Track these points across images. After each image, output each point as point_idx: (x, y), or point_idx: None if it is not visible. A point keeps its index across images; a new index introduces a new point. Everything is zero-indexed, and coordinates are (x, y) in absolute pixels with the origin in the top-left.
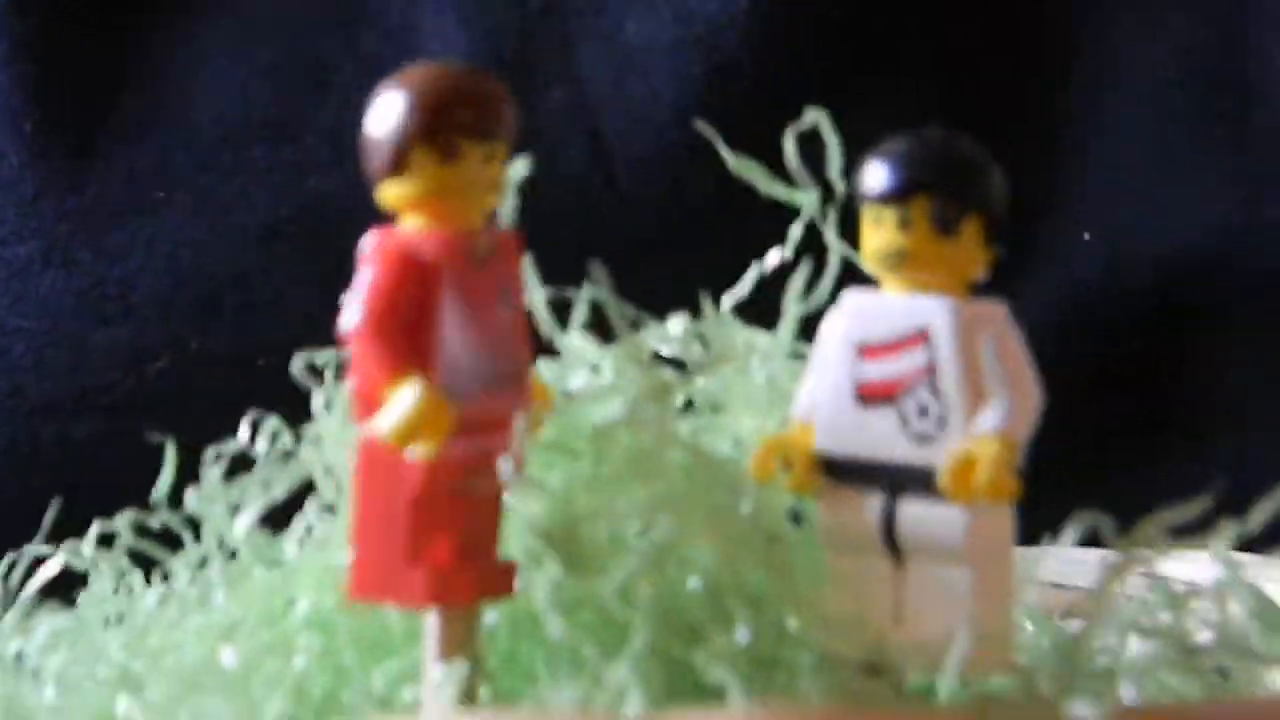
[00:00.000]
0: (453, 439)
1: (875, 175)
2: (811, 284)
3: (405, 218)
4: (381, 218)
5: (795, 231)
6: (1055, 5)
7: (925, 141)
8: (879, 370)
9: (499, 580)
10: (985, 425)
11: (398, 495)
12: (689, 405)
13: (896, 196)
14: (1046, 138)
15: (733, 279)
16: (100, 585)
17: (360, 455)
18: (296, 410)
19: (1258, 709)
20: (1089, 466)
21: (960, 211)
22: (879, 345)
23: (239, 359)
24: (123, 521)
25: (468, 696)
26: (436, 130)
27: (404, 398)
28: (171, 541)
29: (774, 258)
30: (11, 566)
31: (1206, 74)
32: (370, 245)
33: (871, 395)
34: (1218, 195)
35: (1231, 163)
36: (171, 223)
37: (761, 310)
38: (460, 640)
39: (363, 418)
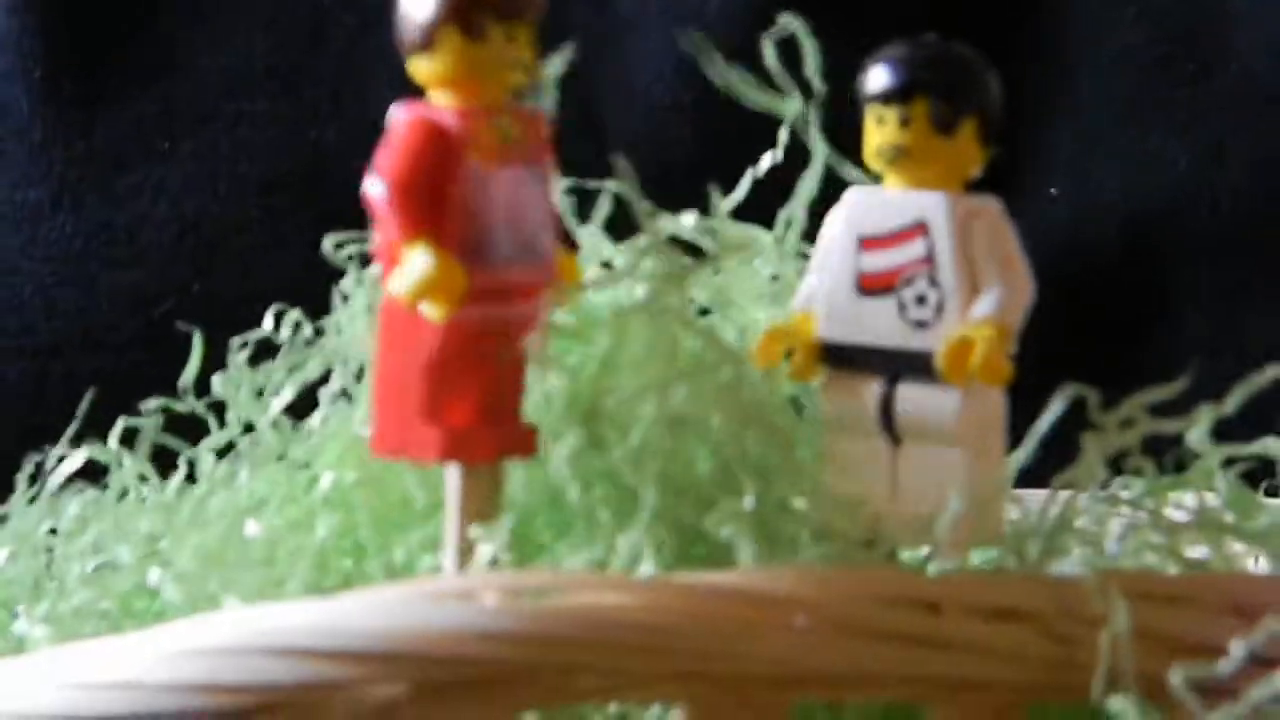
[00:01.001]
0: (474, 304)
1: (877, 77)
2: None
3: (433, 93)
4: None
5: (783, 135)
6: None
7: (925, 46)
8: (879, 261)
9: (521, 442)
10: (980, 312)
11: (416, 355)
12: (704, 312)
13: (898, 96)
14: (1014, 97)
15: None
16: (127, 470)
17: (382, 316)
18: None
19: (1234, 583)
20: (1059, 415)
21: (957, 112)
22: (879, 237)
23: (241, 302)
24: (149, 410)
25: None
26: (462, 9)
27: (416, 259)
28: (193, 439)
29: (766, 161)
30: (39, 466)
31: (1170, 34)
32: (398, 115)
33: (872, 285)
34: (1179, 151)
35: (1192, 120)
36: (176, 170)
37: (754, 216)
38: (482, 502)
39: (386, 278)
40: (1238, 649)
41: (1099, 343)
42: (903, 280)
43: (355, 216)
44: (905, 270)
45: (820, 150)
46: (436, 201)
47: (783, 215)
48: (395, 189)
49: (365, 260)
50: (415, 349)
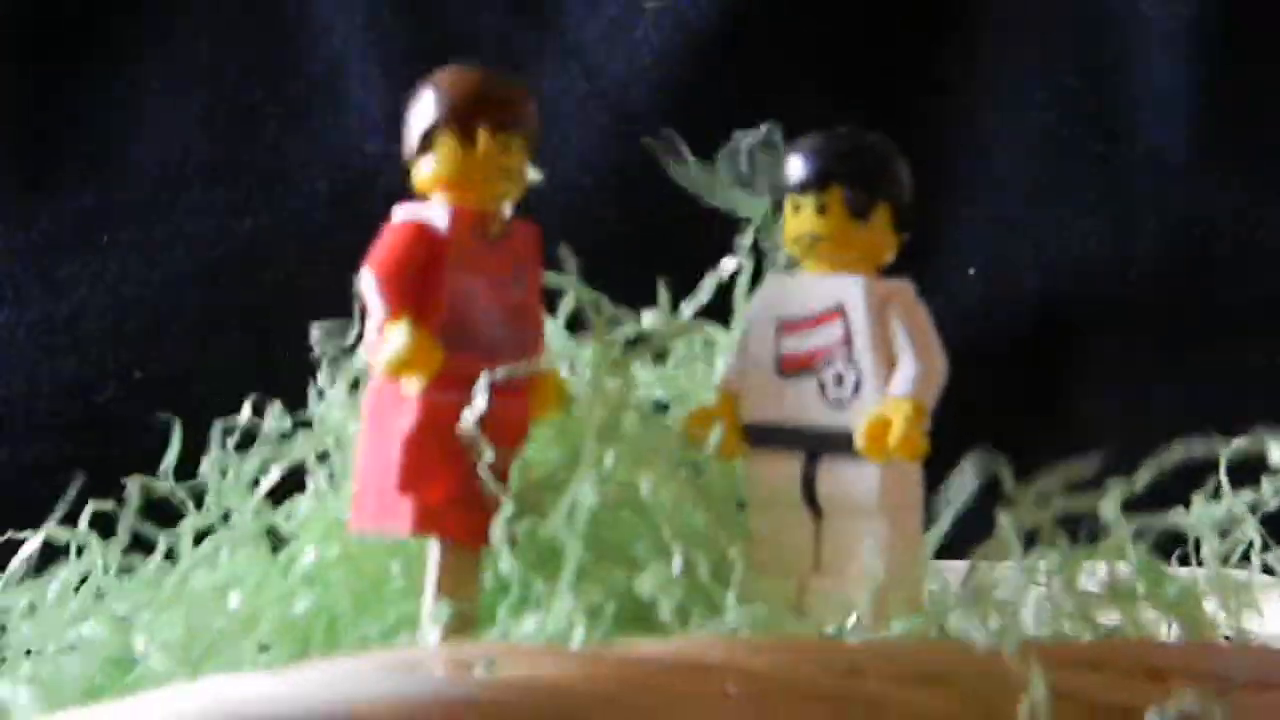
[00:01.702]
0: (454, 388)
1: (794, 167)
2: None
3: (431, 196)
4: (309, 251)
5: (745, 240)
6: (939, 57)
7: (839, 137)
8: (799, 343)
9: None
10: (896, 390)
11: (397, 431)
12: (664, 408)
13: (814, 185)
14: (931, 179)
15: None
16: (96, 552)
17: (370, 395)
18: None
19: (1147, 649)
20: (977, 490)
21: (871, 199)
22: (798, 321)
23: (181, 387)
24: (132, 487)
25: (462, 631)
26: (460, 117)
27: (397, 334)
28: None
29: (730, 265)
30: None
31: (1079, 115)
32: (395, 215)
33: (792, 367)
34: (1086, 229)
35: (1101, 198)
36: (115, 259)
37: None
38: (458, 581)
39: (374, 359)
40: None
41: (1016, 415)
42: (822, 361)
43: (289, 301)
44: (824, 352)
45: (780, 255)
46: (419, 291)
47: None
48: (380, 277)
49: (344, 352)
50: (396, 426)
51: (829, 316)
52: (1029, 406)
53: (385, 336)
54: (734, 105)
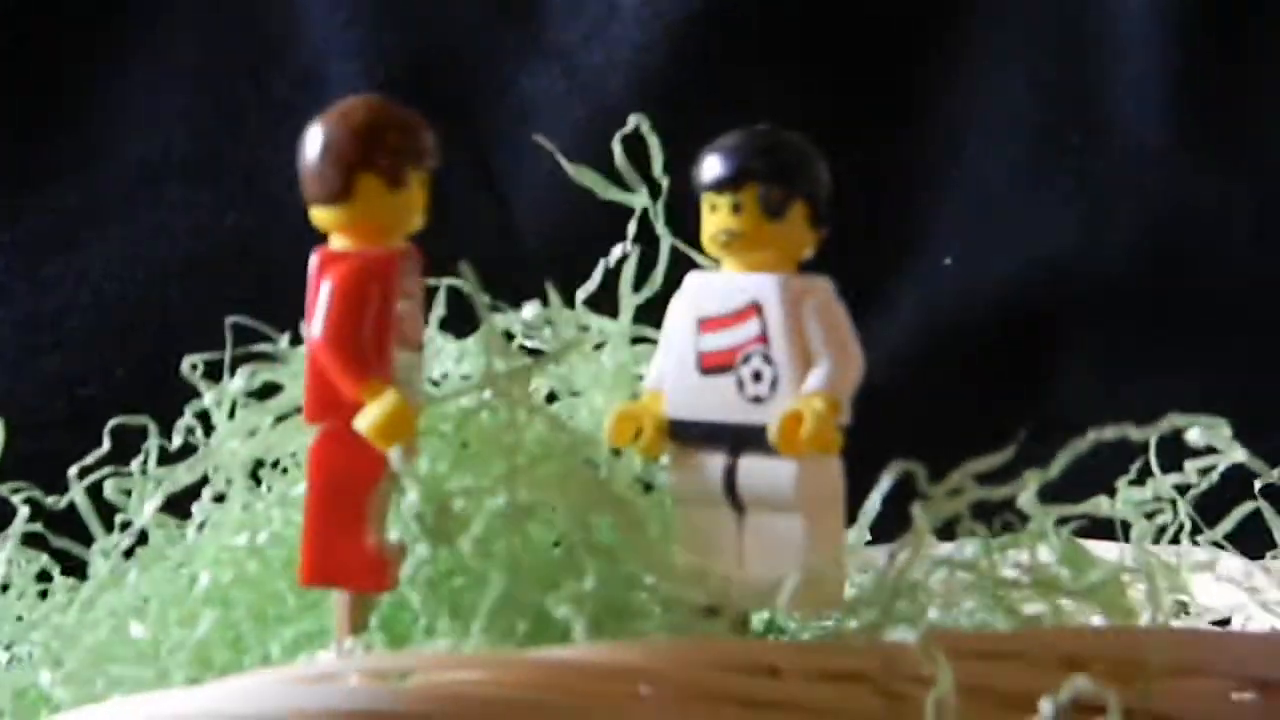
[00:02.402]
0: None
1: (710, 166)
2: (646, 274)
3: (339, 237)
4: (290, 248)
5: (630, 228)
6: (917, 48)
7: (754, 135)
8: (718, 341)
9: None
10: (811, 385)
11: (361, 488)
12: (551, 397)
13: (729, 184)
14: (909, 173)
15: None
16: (20, 577)
17: (317, 449)
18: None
19: (1060, 637)
20: (944, 472)
21: (786, 197)
22: (717, 318)
23: (163, 384)
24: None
25: None
26: (385, 159)
27: (385, 403)
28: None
29: (616, 251)
30: None
31: (1055, 111)
32: (323, 264)
33: (711, 364)
34: (1063, 219)
35: (1075, 190)
36: (98, 257)
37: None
38: (361, 617)
39: (316, 417)
40: (1046, 709)
41: (992, 402)
42: (741, 358)
43: (271, 297)
44: (743, 349)
45: (665, 242)
46: (375, 346)
47: (624, 303)
48: (338, 342)
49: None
50: (363, 481)
51: (746, 314)
52: (1005, 394)
53: (368, 403)
54: (713, 102)
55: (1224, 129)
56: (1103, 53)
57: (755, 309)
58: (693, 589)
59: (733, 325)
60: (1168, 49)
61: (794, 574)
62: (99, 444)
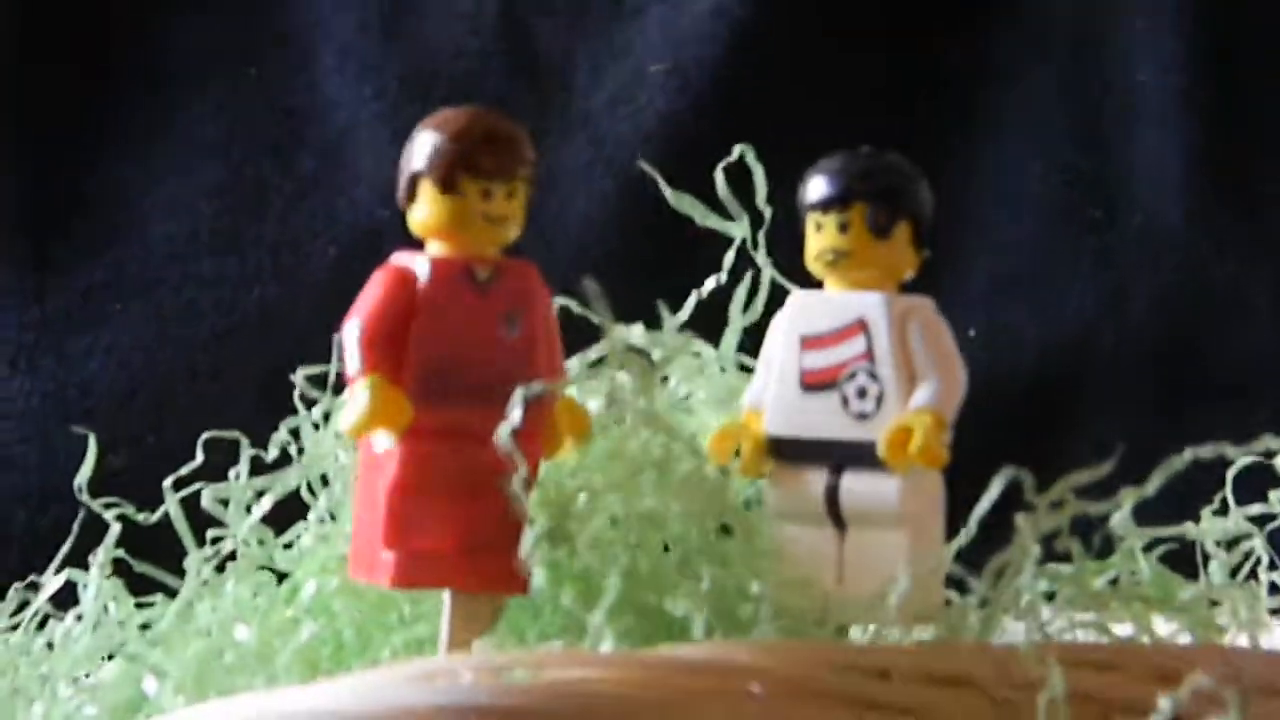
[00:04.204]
0: (435, 439)
1: (817, 186)
2: (749, 303)
3: (428, 242)
4: (315, 319)
5: (729, 259)
6: (941, 123)
7: (860, 156)
8: (820, 359)
9: (507, 578)
10: (918, 401)
11: (381, 484)
12: None
13: (837, 203)
14: (932, 247)
15: None
16: (105, 594)
17: (360, 451)
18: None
19: (1159, 653)
20: (973, 544)
21: (892, 216)
22: (820, 336)
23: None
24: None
25: None
26: (436, 166)
27: (358, 393)
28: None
29: (710, 282)
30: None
31: (1076, 183)
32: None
33: (814, 381)
34: (1087, 293)
35: (1097, 263)
36: (126, 330)
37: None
38: (473, 631)
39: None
40: (1165, 705)
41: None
42: (844, 375)
43: (296, 367)
44: (846, 366)
45: (766, 271)
46: (396, 342)
47: (733, 325)
48: (360, 331)
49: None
50: (380, 480)
51: (851, 331)
52: (1027, 467)
53: (352, 393)
54: (737, 163)
55: (1241, 205)
56: (1122, 130)
57: (861, 326)
58: (800, 598)
59: (837, 343)
60: (1186, 127)
61: (899, 585)
62: (132, 506)
